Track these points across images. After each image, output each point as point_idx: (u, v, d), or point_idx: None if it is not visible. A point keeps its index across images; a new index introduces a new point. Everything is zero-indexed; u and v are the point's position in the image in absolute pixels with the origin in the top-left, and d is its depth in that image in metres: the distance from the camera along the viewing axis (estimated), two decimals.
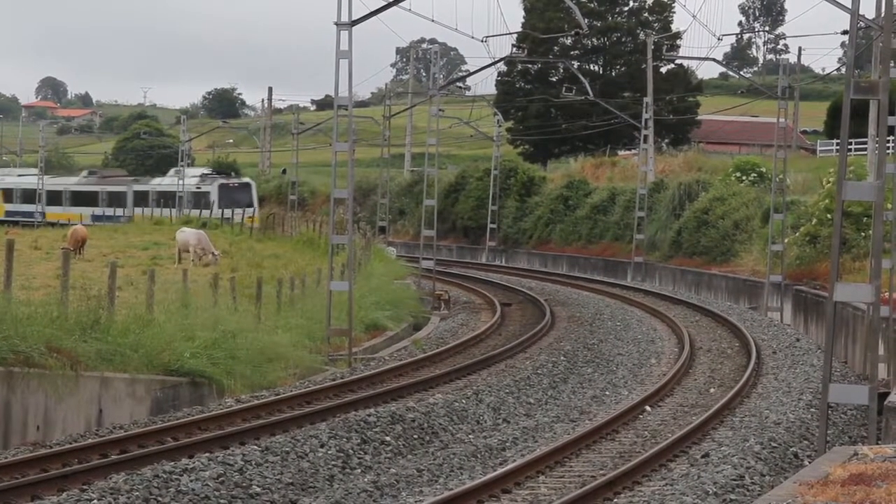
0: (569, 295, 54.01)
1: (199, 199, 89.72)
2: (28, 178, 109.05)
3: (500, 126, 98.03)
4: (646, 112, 70.60)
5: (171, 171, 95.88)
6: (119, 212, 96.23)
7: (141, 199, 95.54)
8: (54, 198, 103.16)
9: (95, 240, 59.61)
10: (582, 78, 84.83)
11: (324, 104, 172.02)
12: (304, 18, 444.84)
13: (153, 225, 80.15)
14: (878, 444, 17.74)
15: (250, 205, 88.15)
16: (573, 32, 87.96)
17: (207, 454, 19.80)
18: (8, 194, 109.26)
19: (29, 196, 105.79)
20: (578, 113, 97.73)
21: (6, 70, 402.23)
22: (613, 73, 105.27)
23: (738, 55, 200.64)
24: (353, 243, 38.13)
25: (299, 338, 32.01)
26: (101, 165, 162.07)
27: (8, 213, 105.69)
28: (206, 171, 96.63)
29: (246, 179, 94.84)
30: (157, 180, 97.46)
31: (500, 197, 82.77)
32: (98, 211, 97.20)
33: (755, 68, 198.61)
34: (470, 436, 24.13)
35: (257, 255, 56.23)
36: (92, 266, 44.27)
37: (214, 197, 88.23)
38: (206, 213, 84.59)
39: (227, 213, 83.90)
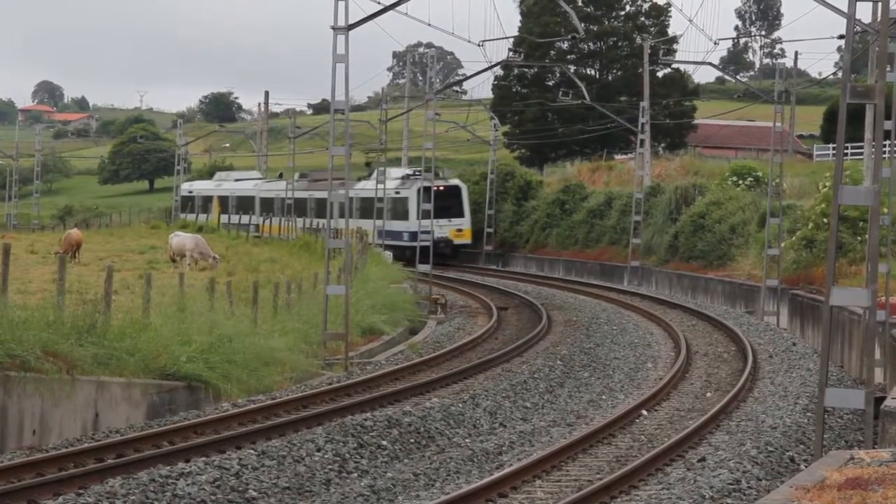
0: (565, 299, 54.00)
1: (396, 207, 75.68)
2: (245, 184, 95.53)
3: (496, 130, 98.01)
4: (642, 116, 70.62)
5: (375, 173, 78.79)
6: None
7: (322, 205, 78.51)
8: (267, 206, 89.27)
9: (91, 244, 59.63)
10: (578, 82, 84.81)
11: (320, 108, 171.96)
12: (300, 22, 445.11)
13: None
14: (874, 448, 17.75)
15: (460, 213, 75.86)
16: (570, 36, 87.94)
17: (204, 458, 19.79)
18: (224, 203, 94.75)
19: (245, 204, 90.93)
20: (575, 117, 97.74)
21: (2, 74, 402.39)
22: (610, 78, 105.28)
23: (735, 59, 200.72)
24: (350, 247, 38.11)
25: (296, 342, 31.99)
26: (97, 169, 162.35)
27: (224, 226, 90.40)
28: (407, 170, 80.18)
29: (454, 181, 78.53)
30: (360, 184, 79.94)
31: (497, 201, 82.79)
32: (307, 221, 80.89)
33: (752, 72, 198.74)
34: (466, 440, 24.13)
35: (254, 259, 56.22)
36: (88, 270, 44.28)
37: (412, 204, 73.57)
38: (402, 223, 73.07)
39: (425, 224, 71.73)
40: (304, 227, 77.72)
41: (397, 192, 75.19)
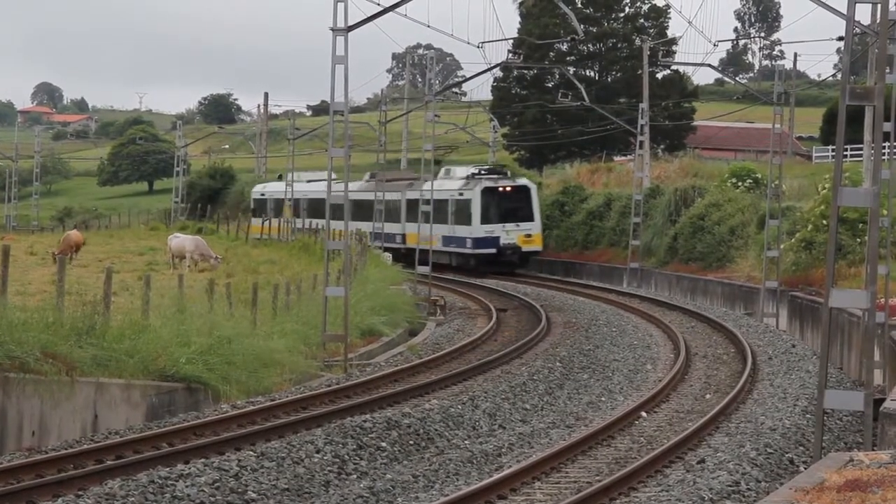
0: (564, 300, 54.00)
1: (459, 211, 68.32)
2: (317, 185, 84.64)
3: (495, 132, 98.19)
4: (641, 118, 70.64)
5: (442, 172, 72.60)
6: (395, 227, 74.03)
7: (412, 210, 71.30)
8: (337, 209, 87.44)
9: (91, 245, 59.63)
10: (578, 84, 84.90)
11: (320, 110, 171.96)
12: (299, 24, 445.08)
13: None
14: (873, 450, 17.76)
15: (529, 217, 67.89)
16: (569, 38, 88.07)
17: (203, 460, 19.79)
18: (296, 206, 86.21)
19: (316, 207, 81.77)
20: (574, 119, 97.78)
21: (1, 75, 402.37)
22: (609, 79, 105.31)
23: (734, 61, 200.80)
24: (349, 249, 38.12)
25: (295, 343, 32.00)
26: (97, 170, 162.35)
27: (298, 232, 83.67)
28: (472, 168, 71.93)
29: (522, 180, 70.49)
30: (429, 185, 77.70)
31: None
32: (376, 226, 73.02)
33: (751, 74, 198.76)
34: (466, 441, 24.13)
35: (253, 260, 56.22)
36: (87, 271, 44.27)
37: (476, 206, 66.98)
38: (465, 229, 66.88)
39: (489, 231, 66.78)
40: (370, 235, 69.95)
41: (460, 194, 68.26)
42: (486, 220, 66.83)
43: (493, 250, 66.94)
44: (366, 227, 72.27)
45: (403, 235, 73.16)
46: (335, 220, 75.97)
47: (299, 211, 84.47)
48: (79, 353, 23.05)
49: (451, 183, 69.60)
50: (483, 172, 69.37)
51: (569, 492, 19.42)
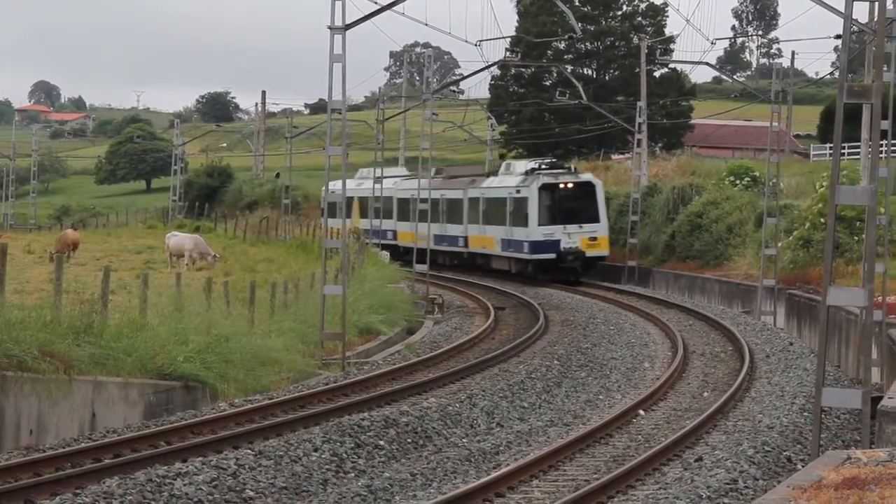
0: (562, 299, 54.00)
1: (518, 210, 61.51)
2: (385, 183, 75.56)
3: (493, 130, 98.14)
4: (639, 116, 70.63)
5: (502, 167, 67.61)
6: (457, 229, 68.01)
7: (474, 210, 66.13)
8: (403, 209, 74.21)
9: (89, 243, 59.61)
10: (575, 82, 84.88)
11: (317, 108, 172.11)
12: (297, 22, 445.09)
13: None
14: (871, 448, 17.76)
15: (594, 217, 60.65)
16: (567, 36, 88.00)
17: (201, 458, 19.78)
18: (364, 206, 78.32)
19: (385, 207, 73.53)
20: (572, 117, 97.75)
21: None
22: (607, 77, 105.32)
23: (732, 59, 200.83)
24: (347, 247, 38.12)
25: (293, 342, 32.00)
26: (94, 169, 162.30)
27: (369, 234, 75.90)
28: (532, 163, 65.09)
29: (586, 176, 63.04)
30: (490, 180, 66.39)
31: None
32: (439, 229, 67.77)
33: (748, 72, 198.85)
34: (464, 440, 24.13)
35: (251, 259, 56.22)
36: (85, 270, 44.25)
37: (533, 206, 60.16)
38: (522, 231, 60.39)
39: (548, 233, 59.94)
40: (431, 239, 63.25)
41: (517, 192, 61.45)
42: (544, 220, 59.93)
43: (553, 255, 60.08)
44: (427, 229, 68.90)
45: (465, 238, 67.39)
46: (402, 221, 72.45)
47: (367, 211, 75.97)
48: (76, 351, 23.05)
49: (509, 179, 63.28)
50: (543, 167, 62.43)
51: (567, 490, 19.43)
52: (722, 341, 39.63)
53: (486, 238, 64.44)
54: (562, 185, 60.39)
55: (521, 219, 60.60)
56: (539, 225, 59.86)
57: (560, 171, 62.20)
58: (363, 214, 76.54)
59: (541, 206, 60.00)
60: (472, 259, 67.00)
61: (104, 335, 24.45)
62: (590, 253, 60.56)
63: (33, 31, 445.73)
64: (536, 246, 60.09)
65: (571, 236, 60.06)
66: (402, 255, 72.30)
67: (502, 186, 63.05)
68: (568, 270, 60.34)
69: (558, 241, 60.00)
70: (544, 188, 60.18)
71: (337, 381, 29.14)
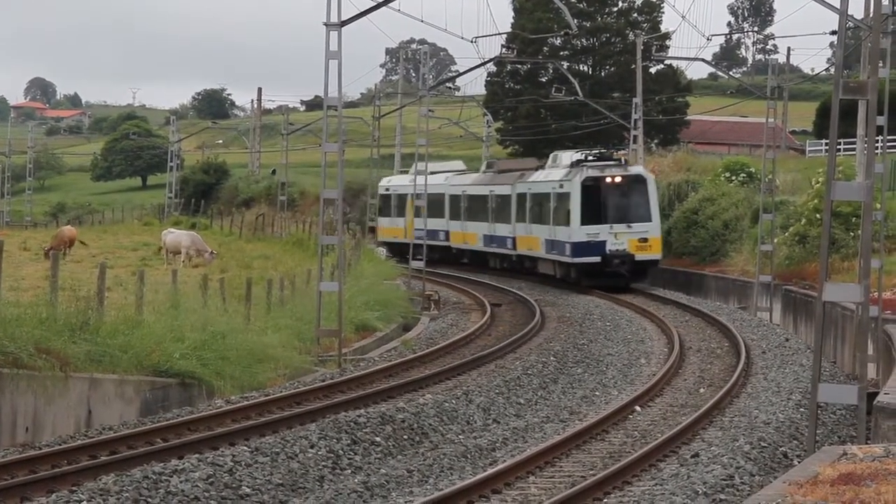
0: (558, 295, 54.00)
1: (560, 207, 55.60)
2: (436, 178, 68.77)
3: (489, 126, 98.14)
4: (635, 112, 70.64)
5: (550, 159, 61.24)
6: (504, 229, 62.44)
7: (520, 207, 60.36)
8: (455, 207, 69.06)
9: (84, 239, 59.55)
10: (571, 78, 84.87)
11: (313, 105, 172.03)
12: (293, 19, 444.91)
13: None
14: (867, 443, 17.77)
15: (644, 216, 54.18)
16: (562, 33, 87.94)
17: (197, 455, 19.78)
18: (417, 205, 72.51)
19: (435, 205, 66.34)
20: (568, 113, 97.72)
21: None
22: (603, 74, 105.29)
23: (728, 55, 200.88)
24: (343, 244, 38.13)
25: (289, 339, 32.00)
26: (90, 166, 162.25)
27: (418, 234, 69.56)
28: (577, 154, 58.59)
29: (636, 169, 56.55)
30: (536, 174, 60.04)
31: None
32: (488, 229, 63.94)
33: (744, 69, 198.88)
34: (460, 436, 24.14)
35: (247, 255, 56.21)
36: (81, 267, 44.24)
37: (575, 202, 53.84)
38: (563, 230, 54.50)
39: (592, 233, 53.55)
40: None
41: (560, 186, 55.52)
42: (588, 219, 53.39)
43: (597, 259, 53.71)
44: (477, 228, 64.22)
45: (513, 239, 61.42)
46: (455, 221, 67.10)
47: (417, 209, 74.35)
48: (72, 348, 23.05)
49: (554, 173, 57.25)
50: (590, 158, 56.33)
51: (563, 486, 19.43)
52: (718, 337, 39.63)
53: (532, 238, 58.54)
54: (608, 179, 53.73)
55: (563, 217, 54.69)
56: (582, 224, 53.29)
57: (607, 162, 55.73)
58: (417, 213, 69.93)
59: (584, 203, 53.33)
60: (520, 262, 61.75)
61: (100, 332, 24.45)
62: (640, 256, 54.00)
63: (28, 27, 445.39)
64: (579, 248, 53.71)
65: (618, 237, 53.56)
66: (455, 257, 69.47)
67: (547, 181, 57.13)
68: (614, 276, 53.90)
69: (603, 243, 53.49)
70: (588, 182, 53.52)
71: (333, 378, 29.14)
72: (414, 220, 70.07)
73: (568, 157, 58.19)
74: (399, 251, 71.48)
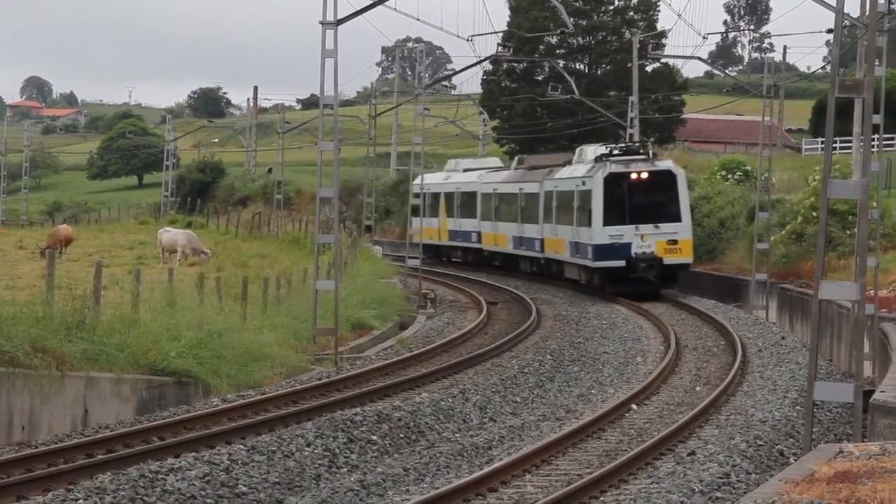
0: (555, 294, 53.99)
1: (583, 206, 50.90)
2: (468, 176, 68.24)
3: (485, 125, 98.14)
4: (631, 111, 70.66)
5: (576, 153, 56.58)
6: (533, 230, 57.65)
7: (547, 205, 55.62)
8: (486, 206, 64.57)
9: (80, 239, 59.55)
10: (567, 77, 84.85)
11: (309, 103, 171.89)
12: (289, 17, 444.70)
13: None
14: (863, 441, 17.78)
15: (673, 215, 49.63)
16: (558, 31, 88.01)
17: (193, 454, 19.78)
18: (450, 203, 69.29)
19: (467, 205, 65.66)
20: (564, 112, 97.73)
21: None
22: (599, 72, 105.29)
23: (724, 54, 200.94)
24: (339, 242, 38.11)
25: (285, 337, 32.00)
26: (86, 165, 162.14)
27: (452, 235, 68.95)
28: (602, 147, 53.71)
29: (665, 164, 51.10)
30: (563, 171, 55.23)
31: None
32: (517, 229, 59.79)
33: (740, 67, 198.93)
34: (456, 434, 24.14)
35: (243, 254, 56.18)
36: (77, 266, 44.22)
37: (598, 200, 49.30)
38: (586, 232, 49.97)
39: (615, 235, 48.92)
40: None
41: (583, 183, 51.09)
42: (611, 219, 49.01)
43: (621, 263, 49.16)
44: (507, 229, 60.44)
45: (541, 241, 56.78)
46: (487, 221, 62.58)
47: (453, 209, 68.16)
48: (69, 347, 23.04)
49: (579, 168, 52.73)
50: (615, 152, 51.51)
51: (559, 484, 19.44)
52: (714, 335, 39.64)
53: (558, 240, 54.21)
54: (633, 175, 49.21)
55: (585, 217, 50.29)
56: (604, 225, 48.86)
57: (633, 157, 50.81)
58: (449, 213, 68.30)
59: (606, 202, 48.90)
60: (548, 266, 57.48)
61: (96, 331, 24.45)
62: (668, 260, 49.37)
63: (25, 26, 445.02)
64: (601, 251, 49.27)
65: (645, 239, 49.14)
66: (486, 260, 65.84)
67: (571, 178, 52.94)
68: (640, 282, 49.36)
69: (628, 246, 49.05)
70: (611, 179, 49.06)
71: (329, 377, 29.14)
72: (447, 221, 68.65)
73: (592, 151, 53.67)
74: (435, 254, 70.91)
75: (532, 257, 58.90)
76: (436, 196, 71.13)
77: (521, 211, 58.80)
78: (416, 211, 69.90)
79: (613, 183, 49.12)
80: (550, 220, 54.95)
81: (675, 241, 49.41)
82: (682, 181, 49.90)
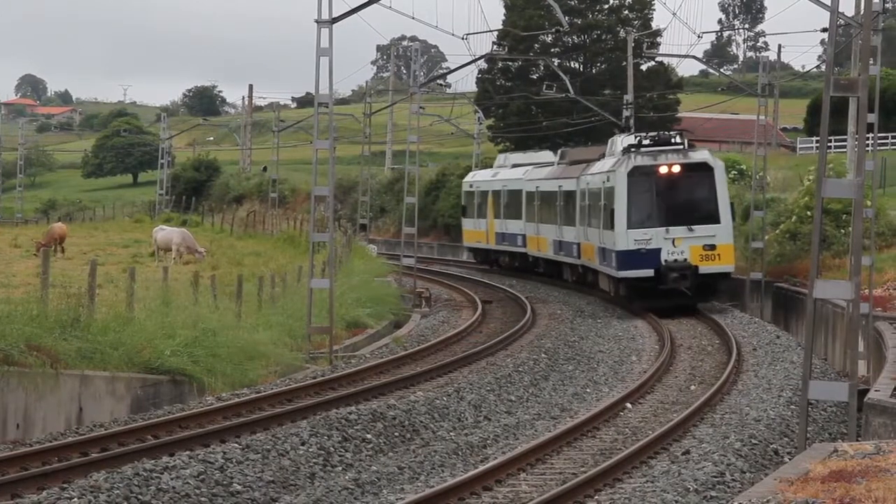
0: (549, 292, 53.98)
1: (607, 206, 44.46)
2: (515, 172, 61.30)
3: (480, 123, 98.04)
4: (626, 109, 70.57)
5: (609, 144, 49.61)
6: (570, 234, 50.85)
7: (582, 205, 48.89)
8: (530, 206, 57.79)
9: (75, 237, 59.50)
10: (562, 75, 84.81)
11: (304, 101, 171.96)
12: (284, 16, 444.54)
13: None
14: (857, 440, 17.80)
15: (710, 216, 42.95)
16: (553, 30, 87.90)
17: (188, 452, 19.76)
18: (497, 202, 62.38)
19: (514, 204, 59.30)
20: (559, 110, 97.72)
21: None
22: (594, 71, 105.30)
23: (718, 53, 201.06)
24: (334, 241, 38.08)
25: (280, 336, 31.99)
26: (81, 163, 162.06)
27: (499, 238, 62.39)
28: (631, 137, 47.46)
29: (700, 155, 44.62)
30: (597, 165, 48.48)
31: None
32: (556, 233, 53.06)
33: (735, 66, 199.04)
34: (451, 433, 24.13)
35: (238, 252, 56.15)
36: (72, 264, 44.18)
37: (621, 199, 42.95)
38: (608, 235, 44.18)
39: (641, 239, 42.52)
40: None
41: (607, 179, 44.79)
42: (636, 221, 42.83)
43: (649, 272, 42.66)
44: (548, 232, 53.94)
45: (578, 247, 49.82)
46: (531, 223, 55.69)
47: (500, 209, 61.67)
48: (63, 345, 23.02)
49: (608, 163, 46.44)
50: (645, 143, 44.88)
51: (554, 483, 19.43)
52: (709, 334, 39.63)
53: (589, 245, 48.11)
54: (662, 169, 43.03)
55: (609, 219, 44.00)
56: (629, 228, 42.63)
57: (663, 147, 44.41)
58: (496, 213, 62.11)
59: (631, 201, 42.81)
60: (584, 275, 51.19)
61: (91, 329, 24.43)
62: (705, 268, 42.88)
63: (19, 24, 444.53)
64: (625, 258, 43.01)
65: (677, 244, 42.67)
66: (532, 266, 59.22)
67: (599, 173, 46.60)
68: (673, 294, 42.87)
69: (657, 252, 42.63)
70: (636, 174, 42.95)
71: (324, 375, 29.12)
72: (494, 222, 61.76)
73: (621, 142, 47.21)
74: (484, 258, 66.48)
75: (571, 264, 52.29)
76: (483, 195, 65.09)
77: (561, 211, 52.06)
78: (465, 211, 67.20)
79: (639, 178, 42.96)
80: (585, 223, 48.77)
81: (712, 246, 42.92)
82: (720, 175, 43.66)
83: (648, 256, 42.59)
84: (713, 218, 42.91)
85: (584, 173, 49.26)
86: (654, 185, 43.02)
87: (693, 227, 42.70)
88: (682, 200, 43.09)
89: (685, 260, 42.66)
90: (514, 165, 63.33)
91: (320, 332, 34.13)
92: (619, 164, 43.89)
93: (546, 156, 63.31)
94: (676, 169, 43.22)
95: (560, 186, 52.32)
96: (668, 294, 42.70)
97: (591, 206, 47.38)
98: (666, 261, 42.58)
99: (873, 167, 32.78)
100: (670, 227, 42.63)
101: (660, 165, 43.22)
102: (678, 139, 45.48)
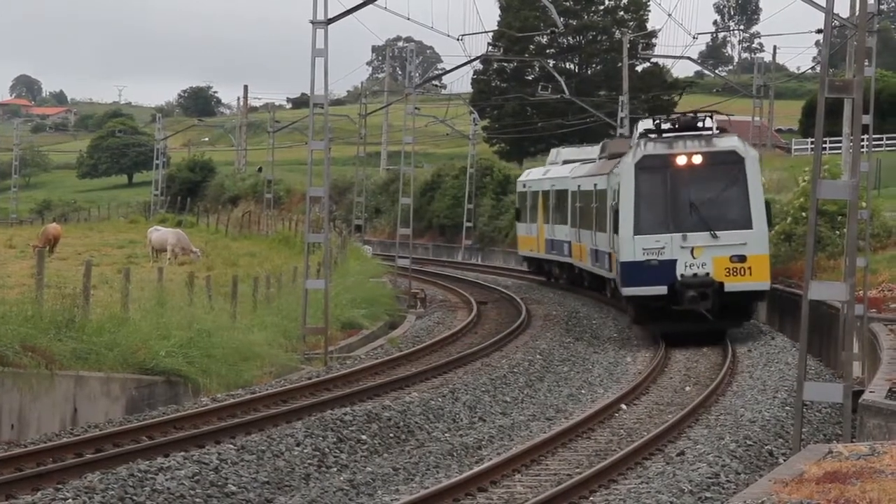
0: (545, 293, 53.99)
1: (615, 203, 37.21)
2: (562, 170, 53.43)
3: (475, 124, 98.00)
4: (621, 110, 70.67)
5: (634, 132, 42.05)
6: (603, 241, 41.04)
7: (602, 204, 41.32)
8: (573, 209, 48.54)
9: (70, 238, 59.47)
10: (558, 76, 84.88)
11: (300, 102, 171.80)
12: (279, 16, 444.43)
13: None
14: (852, 441, 17.80)
15: (741, 220, 35.59)
16: (549, 31, 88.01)
17: (183, 453, 19.75)
18: (546, 205, 54.75)
19: (562, 207, 51.10)
20: (554, 111, 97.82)
21: None
22: (589, 72, 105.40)
23: (714, 54, 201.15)
24: (329, 242, 38.08)
25: (275, 336, 31.98)
26: (76, 163, 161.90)
27: (548, 246, 54.30)
28: (648, 121, 39.93)
29: (727, 142, 36.26)
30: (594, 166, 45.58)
31: (476, 195, 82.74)
32: (591, 239, 44.14)
33: (730, 67, 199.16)
34: (446, 434, 24.13)
35: (233, 253, 56.11)
36: (67, 264, 44.14)
37: (627, 197, 35.92)
38: (604, 239, 40.29)
39: (650, 248, 35.49)
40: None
41: (615, 174, 37.87)
42: (645, 225, 35.70)
43: (662, 289, 35.45)
44: (586, 239, 45.29)
45: (609, 256, 39.87)
46: (560, 225, 48.62)
47: (549, 213, 54.24)
48: (58, 346, 23.01)
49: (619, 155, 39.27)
50: (663, 127, 37.38)
51: (549, 484, 19.43)
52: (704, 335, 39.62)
53: (614, 255, 39.94)
54: (680, 160, 35.63)
55: (614, 222, 37.35)
56: (636, 234, 35.58)
57: (682, 133, 36.72)
58: (546, 217, 54.90)
59: (638, 199, 35.70)
60: (616, 288, 40.84)
61: (86, 330, 24.41)
62: (732, 285, 35.44)
63: (14, 24, 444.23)
64: (631, 271, 35.85)
65: (696, 253, 35.41)
66: (578, 278, 51.66)
67: (616, 166, 38.82)
68: (692, 315, 35.53)
69: (671, 263, 35.42)
70: (645, 166, 35.83)
71: (319, 376, 29.12)
72: (544, 227, 54.27)
73: (640, 126, 40.09)
74: (538, 268, 59.12)
75: (605, 277, 42.81)
76: (535, 196, 57.24)
77: (596, 214, 42.93)
78: (518, 214, 59.32)
79: (649, 171, 35.75)
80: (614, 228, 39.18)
81: (742, 258, 35.49)
82: (752, 167, 35.91)
83: (661, 270, 35.44)
84: (744, 221, 35.65)
85: (614, 169, 39.20)
86: (669, 180, 35.69)
87: (718, 232, 35.52)
88: (705, 199, 35.68)
89: (707, 275, 35.49)
90: (565, 161, 54.92)
91: (315, 332, 34.12)
92: (627, 153, 36.89)
93: (596, 151, 51.63)
94: (697, 159, 35.72)
95: (595, 185, 43.17)
96: (686, 316, 35.61)
97: (598, 208, 42.22)
98: (682, 275, 35.44)
99: (868, 168, 32.73)
100: (688, 233, 35.50)
101: (676, 155, 35.70)
102: (706, 122, 37.49)
